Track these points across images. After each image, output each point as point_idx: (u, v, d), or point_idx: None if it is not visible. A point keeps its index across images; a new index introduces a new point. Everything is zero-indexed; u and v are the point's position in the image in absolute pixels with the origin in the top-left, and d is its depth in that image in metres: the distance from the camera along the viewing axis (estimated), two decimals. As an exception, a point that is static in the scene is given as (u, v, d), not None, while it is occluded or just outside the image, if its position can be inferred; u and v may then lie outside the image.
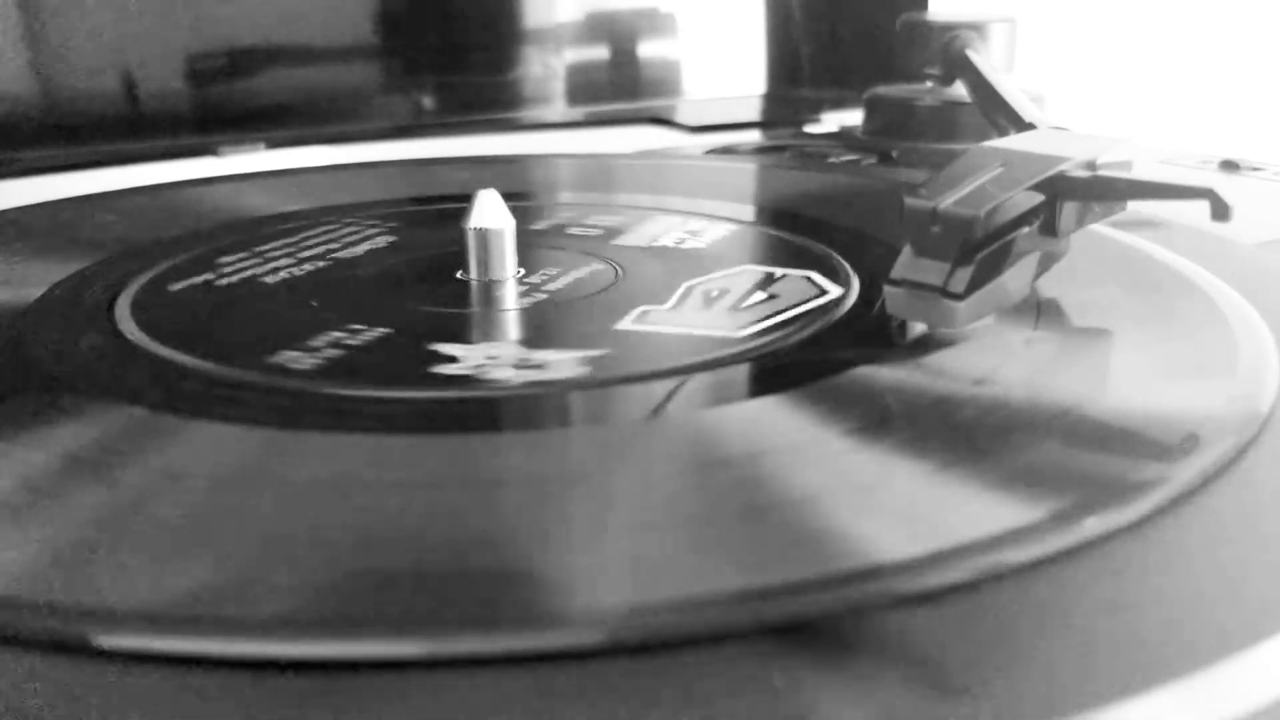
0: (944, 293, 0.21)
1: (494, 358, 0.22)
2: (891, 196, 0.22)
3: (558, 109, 0.61)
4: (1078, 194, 0.23)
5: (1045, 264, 0.24)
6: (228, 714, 0.12)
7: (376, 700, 0.12)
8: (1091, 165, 0.23)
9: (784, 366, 0.22)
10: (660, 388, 0.20)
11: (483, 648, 0.13)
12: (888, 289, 0.22)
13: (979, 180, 0.22)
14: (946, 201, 0.21)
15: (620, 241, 0.31)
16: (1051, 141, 0.24)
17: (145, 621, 0.14)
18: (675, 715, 0.12)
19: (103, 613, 0.14)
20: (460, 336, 0.24)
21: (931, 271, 0.21)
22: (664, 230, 0.32)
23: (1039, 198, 0.22)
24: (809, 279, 0.26)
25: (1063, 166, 0.22)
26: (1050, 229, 0.23)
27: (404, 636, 0.13)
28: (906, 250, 0.22)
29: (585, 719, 0.12)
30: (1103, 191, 0.23)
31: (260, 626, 0.13)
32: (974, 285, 0.21)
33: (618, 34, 0.62)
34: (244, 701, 0.12)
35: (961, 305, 0.21)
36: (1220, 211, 0.20)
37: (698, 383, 0.21)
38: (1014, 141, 0.24)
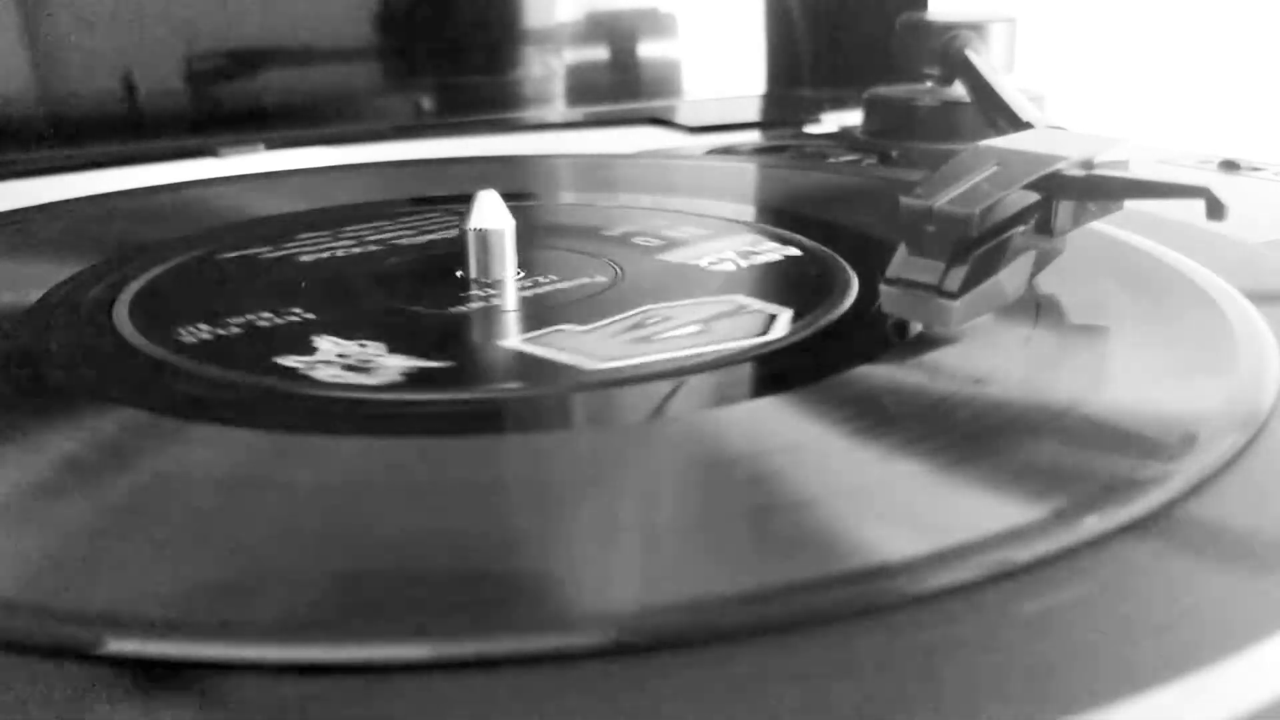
0: (939, 291, 0.21)
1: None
2: (891, 197, 0.22)
3: (558, 109, 0.61)
4: (1073, 193, 0.23)
5: (1042, 263, 0.24)
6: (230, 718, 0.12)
7: (380, 703, 0.12)
8: (1088, 164, 0.23)
9: (783, 366, 0.22)
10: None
11: (486, 650, 0.13)
12: (883, 288, 0.22)
13: (974, 179, 0.22)
14: (941, 200, 0.21)
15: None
16: (1047, 141, 0.24)
17: (147, 626, 0.14)
18: (680, 716, 0.12)
19: (104, 617, 0.14)
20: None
21: (927, 270, 0.21)
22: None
23: (1034, 197, 0.22)
24: (770, 315, 0.24)
25: (1058, 165, 0.22)
26: (1046, 228, 0.23)
27: (409, 639, 0.13)
28: (902, 249, 0.22)
29: None
30: (1098, 190, 0.23)
31: (265, 630, 0.13)
32: (969, 284, 0.21)
33: (618, 34, 0.62)
34: (247, 705, 0.12)
35: (957, 304, 0.21)
36: (1215, 210, 0.20)
37: (692, 385, 0.21)
38: (1010, 141, 0.24)
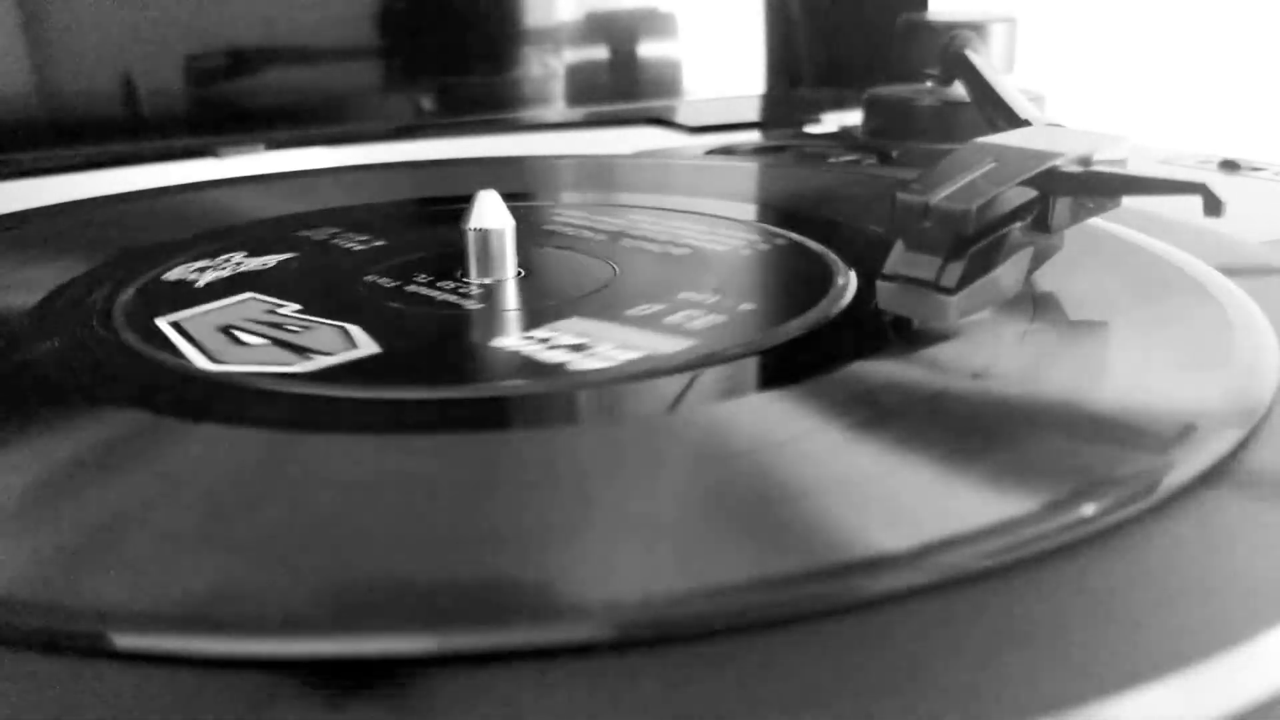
0: (936, 287, 0.21)
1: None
2: (890, 195, 0.22)
3: (557, 109, 0.61)
4: (1070, 189, 0.23)
5: (1039, 259, 0.24)
6: (238, 714, 0.12)
7: (388, 698, 0.12)
8: (1085, 161, 0.23)
9: (782, 362, 0.22)
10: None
11: (489, 643, 0.13)
12: (880, 284, 0.22)
13: (971, 175, 0.22)
14: (938, 196, 0.21)
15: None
16: (1045, 137, 0.24)
17: (153, 621, 0.14)
18: (678, 709, 0.12)
19: (109, 613, 0.14)
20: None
21: (924, 266, 0.21)
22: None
23: (1031, 193, 0.22)
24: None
25: (1055, 162, 0.22)
26: (1043, 224, 0.23)
27: (414, 633, 0.13)
28: (899, 245, 0.22)
29: (589, 714, 0.12)
30: (1095, 187, 0.23)
31: (272, 625, 0.13)
32: (966, 280, 0.21)
33: (618, 34, 0.62)
34: (255, 701, 0.12)
35: (953, 300, 0.21)
36: (1212, 207, 0.20)
37: (684, 378, 0.21)
38: (1007, 137, 0.24)
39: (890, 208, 0.21)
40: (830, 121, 0.56)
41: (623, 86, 0.63)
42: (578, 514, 0.16)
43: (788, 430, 0.18)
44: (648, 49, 0.63)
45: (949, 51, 0.44)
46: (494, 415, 0.20)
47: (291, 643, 0.13)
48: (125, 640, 0.13)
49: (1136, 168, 0.23)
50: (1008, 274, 0.22)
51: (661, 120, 0.57)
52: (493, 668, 0.13)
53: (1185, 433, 0.18)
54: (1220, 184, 0.20)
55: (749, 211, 0.35)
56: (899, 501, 0.16)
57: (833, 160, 0.45)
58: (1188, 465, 0.17)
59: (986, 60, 0.41)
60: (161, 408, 0.20)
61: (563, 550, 0.15)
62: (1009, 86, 0.36)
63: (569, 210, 0.35)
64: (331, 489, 0.17)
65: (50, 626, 0.14)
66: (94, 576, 0.14)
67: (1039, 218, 0.23)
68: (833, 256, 0.28)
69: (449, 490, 0.17)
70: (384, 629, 0.13)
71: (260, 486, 0.17)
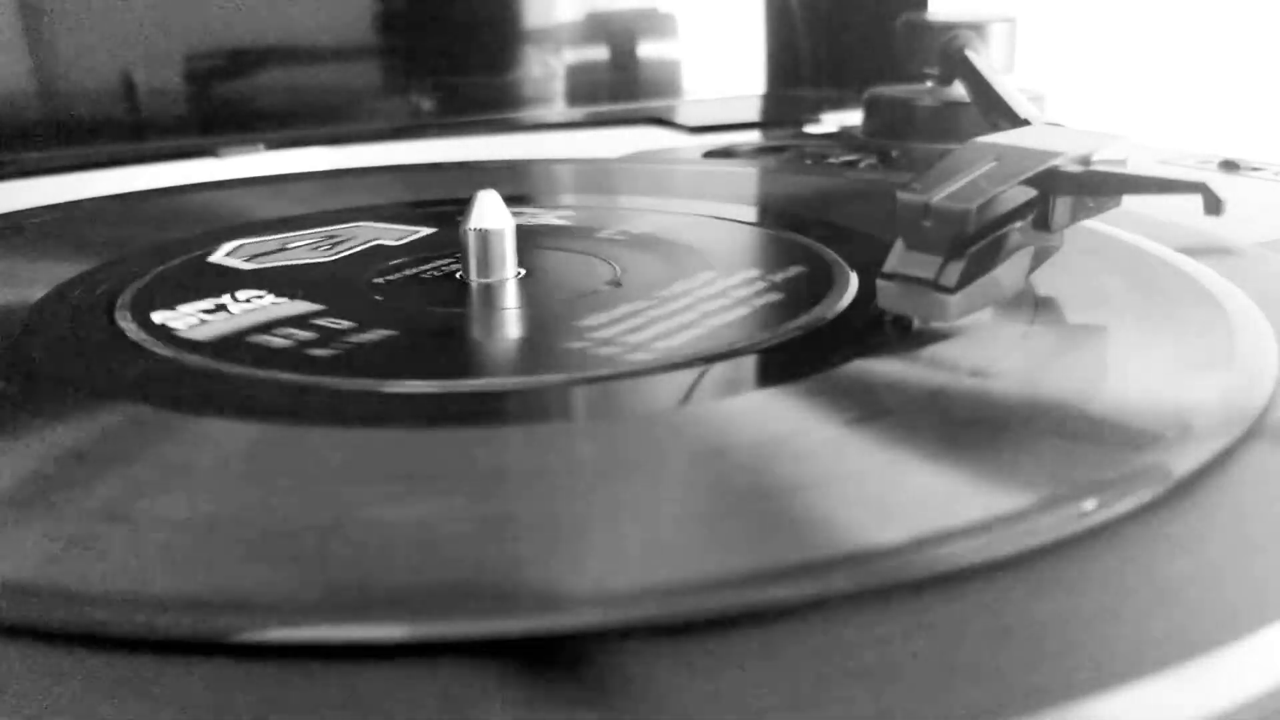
0: (936, 286, 0.21)
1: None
2: (890, 196, 0.22)
3: (557, 109, 0.61)
4: (1070, 189, 0.23)
5: (1039, 259, 0.24)
6: (238, 701, 0.12)
7: (381, 685, 0.12)
8: (1085, 160, 0.23)
9: (781, 361, 0.22)
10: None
11: (481, 630, 0.13)
12: (880, 283, 0.22)
13: (971, 175, 0.22)
14: (939, 196, 0.21)
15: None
16: (1045, 137, 0.24)
17: (151, 609, 0.14)
18: (669, 699, 0.12)
19: (108, 601, 0.14)
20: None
21: (923, 265, 0.21)
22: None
23: (1032, 192, 0.22)
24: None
25: (1055, 161, 0.22)
26: (1043, 224, 0.23)
27: (406, 619, 0.13)
28: (899, 244, 0.22)
29: (583, 702, 0.12)
30: (1096, 186, 0.23)
31: (272, 612, 0.14)
32: (966, 279, 0.21)
33: (618, 34, 0.62)
34: (254, 688, 0.13)
35: (953, 299, 0.21)
36: (1212, 206, 0.20)
37: (686, 376, 0.21)
38: (1007, 137, 0.24)
39: (892, 208, 0.21)
40: (830, 121, 0.56)
41: (623, 86, 0.63)
42: (580, 506, 0.16)
43: (788, 426, 0.18)
44: (647, 49, 0.63)
45: (949, 51, 0.44)
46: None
47: (292, 630, 0.13)
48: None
49: (1136, 167, 0.23)
50: (1008, 273, 0.22)
51: (661, 120, 0.57)
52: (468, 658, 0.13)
53: (1183, 431, 0.18)
54: (1220, 184, 0.20)
55: (750, 212, 0.35)
56: (895, 497, 0.16)
57: (832, 160, 0.45)
58: (1186, 464, 0.17)
59: (986, 60, 0.41)
60: (161, 401, 0.20)
61: (571, 539, 0.15)
62: (1009, 86, 0.36)
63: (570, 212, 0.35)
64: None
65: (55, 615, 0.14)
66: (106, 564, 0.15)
67: (1039, 217, 0.23)
68: (833, 257, 0.28)
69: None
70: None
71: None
